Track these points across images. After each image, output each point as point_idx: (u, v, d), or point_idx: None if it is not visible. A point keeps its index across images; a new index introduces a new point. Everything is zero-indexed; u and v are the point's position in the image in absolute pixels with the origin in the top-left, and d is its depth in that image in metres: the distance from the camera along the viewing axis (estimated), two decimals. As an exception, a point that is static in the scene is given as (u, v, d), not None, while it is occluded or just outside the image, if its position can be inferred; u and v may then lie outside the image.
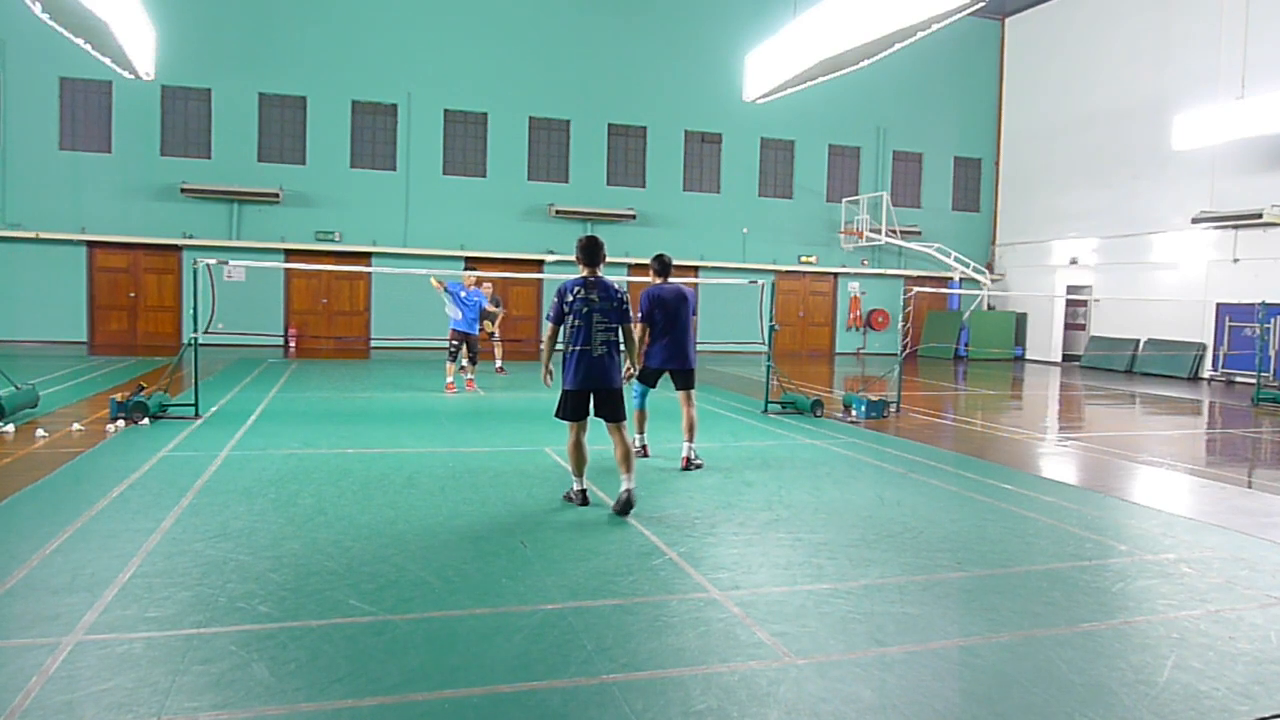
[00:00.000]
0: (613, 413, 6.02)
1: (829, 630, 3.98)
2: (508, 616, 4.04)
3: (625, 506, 5.85)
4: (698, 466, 7.62)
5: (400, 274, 20.72)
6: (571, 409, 5.96)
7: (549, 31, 23.09)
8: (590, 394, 5.94)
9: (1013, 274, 26.45)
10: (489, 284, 15.61)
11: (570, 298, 5.89)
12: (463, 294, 12.71)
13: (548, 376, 6.13)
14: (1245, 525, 6.20)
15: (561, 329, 6.02)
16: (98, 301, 20.94)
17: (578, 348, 5.87)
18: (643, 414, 8.05)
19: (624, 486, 5.92)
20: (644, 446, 8.10)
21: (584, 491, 6.14)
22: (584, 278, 5.97)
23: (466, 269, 21.57)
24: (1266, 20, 18.88)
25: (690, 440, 7.69)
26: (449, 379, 12.89)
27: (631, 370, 6.86)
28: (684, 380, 7.74)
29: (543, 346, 6.18)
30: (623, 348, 6.14)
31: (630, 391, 7.23)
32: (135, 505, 5.82)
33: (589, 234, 6.18)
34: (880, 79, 21.93)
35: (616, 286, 6.01)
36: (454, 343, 12.76)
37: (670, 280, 7.70)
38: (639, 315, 7.42)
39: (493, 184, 22.94)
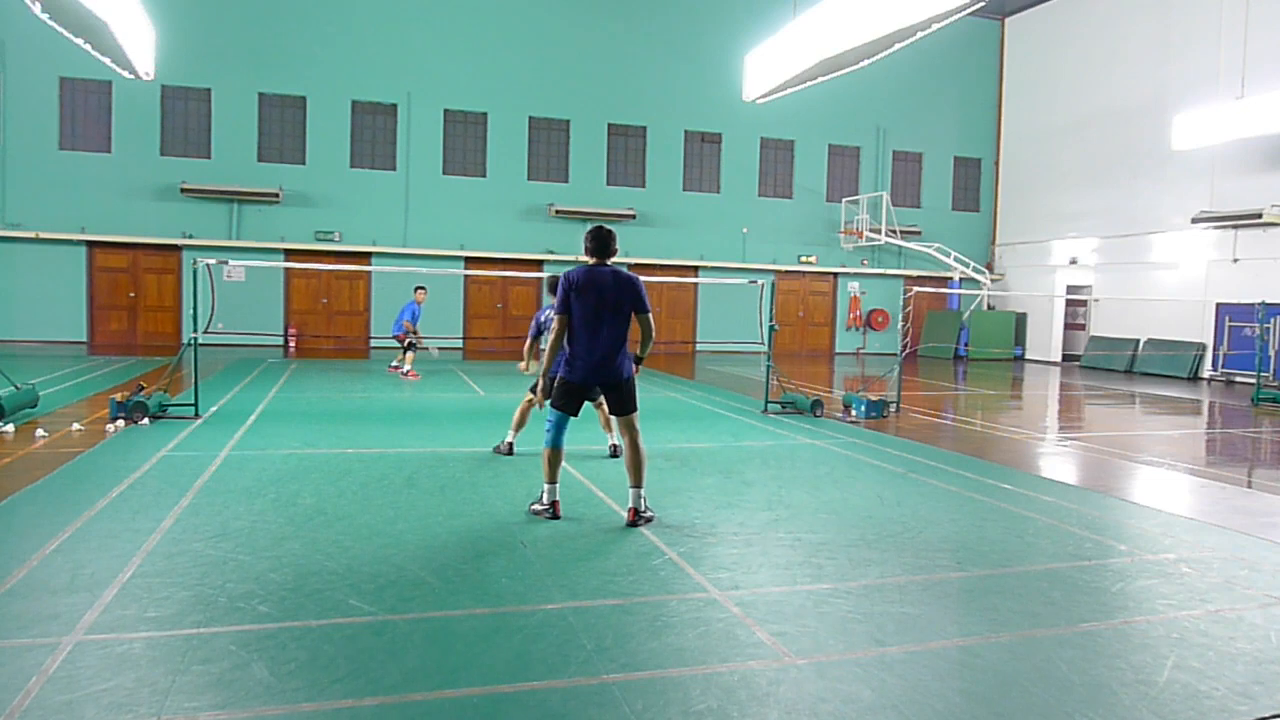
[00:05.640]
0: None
1: (829, 630, 3.98)
2: (507, 616, 4.03)
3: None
4: (647, 520, 5.69)
5: (400, 274, 20.76)
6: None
7: (549, 31, 23.08)
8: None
9: (1012, 274, 26.45)
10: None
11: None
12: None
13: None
14: (1245, 525, 6.20)
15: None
16: (98, 301, 20.94)
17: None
18: (556, 453, 5.87)
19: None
20: (552, 504, 5.82)
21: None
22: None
23: (466, 269, 21.59)
24: (1266, 20, 18.88)
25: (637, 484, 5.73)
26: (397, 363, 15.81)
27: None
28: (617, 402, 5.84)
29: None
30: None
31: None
32: (135, 505, 5.81)
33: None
34: (880, 79, 21.95)
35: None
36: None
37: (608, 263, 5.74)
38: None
39: (493, 184, 22.94)
